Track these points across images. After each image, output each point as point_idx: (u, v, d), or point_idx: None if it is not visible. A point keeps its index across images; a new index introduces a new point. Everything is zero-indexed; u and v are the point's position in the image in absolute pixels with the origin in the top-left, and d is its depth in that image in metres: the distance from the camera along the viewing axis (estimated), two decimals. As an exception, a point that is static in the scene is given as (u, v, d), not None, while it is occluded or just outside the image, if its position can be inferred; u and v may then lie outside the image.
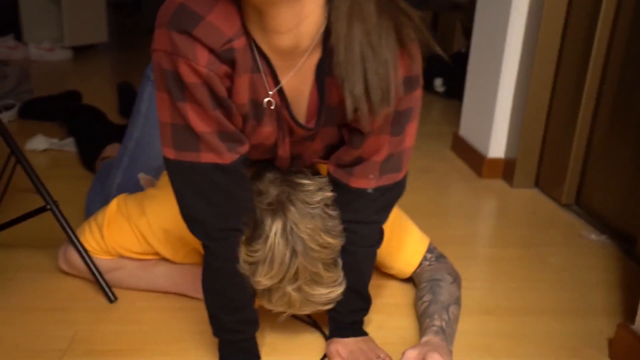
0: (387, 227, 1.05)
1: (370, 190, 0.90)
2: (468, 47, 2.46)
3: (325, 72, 0.79)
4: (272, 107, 0.81)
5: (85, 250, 1.12)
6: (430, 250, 1.21)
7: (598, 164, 1.66)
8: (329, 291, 0.90)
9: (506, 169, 1.96)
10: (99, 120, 2.00)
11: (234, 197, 0.84)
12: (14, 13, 3.61)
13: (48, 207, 1.15)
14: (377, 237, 0.99)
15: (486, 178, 1.98)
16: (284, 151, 0.90)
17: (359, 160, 0.89)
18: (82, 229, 1.16)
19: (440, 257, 1.21)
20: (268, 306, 0.92)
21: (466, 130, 2.19)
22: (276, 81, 0.79)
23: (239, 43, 0.74)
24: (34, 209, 1.17)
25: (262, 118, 0.83)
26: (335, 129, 0.87)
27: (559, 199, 1.76)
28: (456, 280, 1.15)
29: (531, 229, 1.60)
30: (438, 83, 3.29)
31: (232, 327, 0.92)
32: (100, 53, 3.92)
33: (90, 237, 1.13)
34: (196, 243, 0.99)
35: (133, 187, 1.25)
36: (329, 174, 0.94)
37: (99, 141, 1.84)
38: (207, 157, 0.79)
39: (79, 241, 1.12)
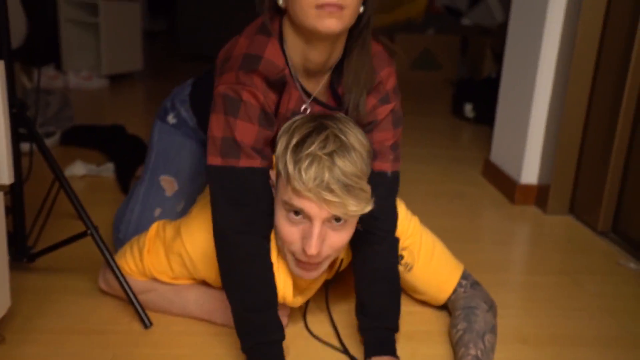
0: (420, 251, 1.14)
1: (389, 174, 1.07)
2: (498, 72, 2.47)
3: (336, 83, 1.10)
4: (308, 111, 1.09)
5: (123, 275, 1.15)
6: (465, 276, 1.20)
7: (635, 189, 1.63)
8: (358, 174, 0.91)
9: (539, 196, 1.94)
10: (141, 147, 2.06)
11: (261, 199, 0.99)
12: (55, 43, 3.75)
13: (89, 232, 1.19)
14: (394, 221, 1.10)
15: (519, 204, 1.97)
16: None
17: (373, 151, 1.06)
18: (124, 249, 1.20)
19: (475, 284, 1.20)
20: (299, 185, 0.89)
21: (497, 155, 2.18)
22: (307, 94, 1.08)
23: (286, 71, 1.02)
24: (75, 233, 1.20)
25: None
26: None
27: (594, 225, 1.74)
28: (492, 308, 1.14)
29: (567, 256, 1.58)
30: (468, 108, 3.28)
31: (262, 326, 0.98)
32: (135, 81, 4.03)
33: (131, 259, 1.17)
34: None
35: (155, 190, 1.38)
36: None
37: (135, 163, 1.90)
38: (244, 163, 0.98)
39: (116, 265, 1.16)
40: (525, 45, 1.97)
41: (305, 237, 0.93)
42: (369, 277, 1.08)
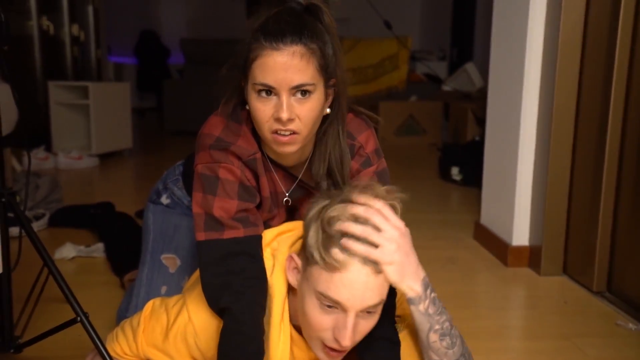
0: None
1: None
2: (482, 135, 2.52)
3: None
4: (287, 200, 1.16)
5: (113, 360, 1.12)
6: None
7: (626, 248, 1.64)
8: None
9: (532, 257, 1.94)
10: (130, 225, 2.06)
11: (247, 268, 1.01)
12: (46, 126, 3.80)
13: (79, 319, 1.16)
14: None
15: (512, 266, 1.96)
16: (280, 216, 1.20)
17: None
18: (114, 332, 1.17)
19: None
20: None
21: (487, 218, 2.20)
22: (288, 172, 1.13)
23: (258, 155, 1.08)
24: (65, 321, 1.17)
25: (277, 203, 1.16)
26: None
27: (589, 286, 1.73)
28: None
29: (565, 318, 1.56)
30: (455, 171, 3.33)
31: None
32: (125, 158, 4.07)
33: (123, 340, 1.13)
34: None
35: (158, 269, 1.37)
36: None
37: (128, 246, 1.88)
38: (228, 234, 1.02)
39: (107, 353, 1.12)
40: (506, 109, 2.03)
41: (338, 327, 0.92)
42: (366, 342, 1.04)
